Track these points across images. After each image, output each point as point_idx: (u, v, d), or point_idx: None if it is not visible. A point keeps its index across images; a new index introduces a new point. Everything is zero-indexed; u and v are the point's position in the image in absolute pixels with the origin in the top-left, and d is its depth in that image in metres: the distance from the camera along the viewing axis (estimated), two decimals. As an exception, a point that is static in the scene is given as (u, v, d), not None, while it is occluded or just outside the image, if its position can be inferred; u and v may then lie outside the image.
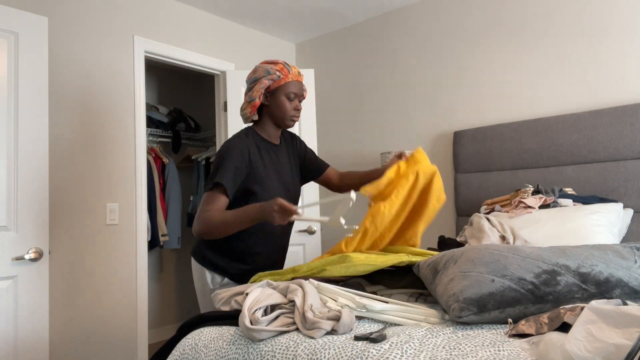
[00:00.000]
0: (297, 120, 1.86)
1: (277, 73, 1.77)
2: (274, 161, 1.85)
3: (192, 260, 1.92)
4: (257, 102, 1.78)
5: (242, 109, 1.83)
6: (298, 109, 1.82)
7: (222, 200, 1.67)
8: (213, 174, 1.70)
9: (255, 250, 1.84)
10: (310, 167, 2.05)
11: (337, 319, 1.15)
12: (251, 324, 1.17)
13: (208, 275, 1.83)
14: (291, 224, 1.95)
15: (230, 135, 3.41)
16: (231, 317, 1.36)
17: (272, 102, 1.80)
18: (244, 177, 1.74)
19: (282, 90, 1.79)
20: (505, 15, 3.04)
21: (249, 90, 1.81)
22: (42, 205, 2.21)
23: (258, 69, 1.80)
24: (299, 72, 1.82)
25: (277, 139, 1.91)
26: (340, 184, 2.08)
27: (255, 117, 1.83)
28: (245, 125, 2.08)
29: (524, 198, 2.39)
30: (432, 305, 1.41)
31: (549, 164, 2.71)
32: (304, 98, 1.87)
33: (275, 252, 1.91)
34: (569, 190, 2.52)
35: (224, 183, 1.66)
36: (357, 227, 1.68)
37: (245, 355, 1.18)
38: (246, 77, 1.85)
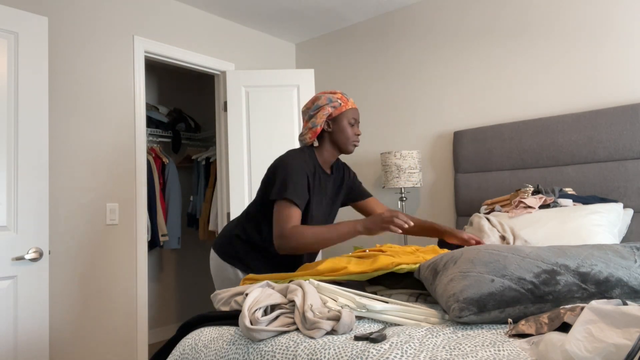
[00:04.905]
0: (357, 146, 1.91)
1: (339, 101, 1.85)
2: (322, 190, 1.89)
3: (218, 258, 1.93)
4: (319, 128, 1.85)
5: (302, 135, 1.89)
6: (358, 134, 1.89)
7: (298, 215, 1.72)
8: (282, 187, 1.72)
9: (294, 257, 1.90)
10: (352, 195, 2.08)
11: (337, 319, 1.15)
12: (251, 324, 1.17)
13: (241, 274, 1.87)
14: None
15: (230, 136, 3.42)
16: (231, 317, 1.36)
17: (335, 128, 1.86)
18: (307, 200, 1.78)
19: (345, 116, 1.85)
20: (505, 15, 3.04)
21: (311, 117, 1.87)
22: (42, 205, 2.21)
23: (320, 98, 1.87)
24: (353, 102, 1.90)
25: (329, 168, 1.94)
26: None
27: (316, 144, 1.90)
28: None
29: (524, 198, 2.39)
30: (432, 305, 1.41)
31: (549, 164, 2.71)
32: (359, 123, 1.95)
33: (307, 260, 1.97)
34: (569, 190, 2.52)
35: (296, 202, 1.71)
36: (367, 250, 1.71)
37: (245, 355, 1.18)
38: (303, 107, 1.93)
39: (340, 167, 2.03)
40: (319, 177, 1.87)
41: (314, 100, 1.89)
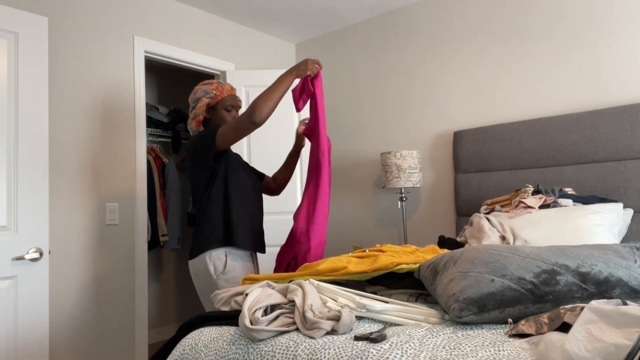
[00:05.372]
0: None
1: (213, 92, 2.08)
2: None
3: (192, 262, 2.01)
4: (201, 117, 2.09)
5: (189, 124, 2.13)
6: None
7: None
8: (220, 128, 1.94)
9: (249, 219, 2.06)
10: None
11: (337, 319, 1.15)
12: (251, 324, 1.17)
13: (210, 266, 1.94)
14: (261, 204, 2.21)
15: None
16: (231, 317, 1.36)
17: (213, 116, 2.10)
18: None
19: (221, 104, 2.09)
20: (506, 15, 3.04)
21: (193, 108, 2.10)
22: (42, 205, 2.21)
23: (197, 91, 2.09)
24: (231, 87, 2.14)
25: None
26: (278, 186, 2.37)
27: (201, 129, 2.12)
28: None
29: (524, 198, 2.39)
30: (432, 305, 1.41)
31: (549, 164, 2.71)
32: (240, 107, 2.16)
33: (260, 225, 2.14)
34: (569, 190, 2.52)
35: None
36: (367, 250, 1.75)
37: (245, 355, 1.18)
38: (189, 99, 2.14)
39: None
40: None
41: (193, 92, 2.12)
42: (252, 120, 1.84)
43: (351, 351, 1.04)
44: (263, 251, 2.09)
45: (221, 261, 1.95)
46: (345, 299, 1.27)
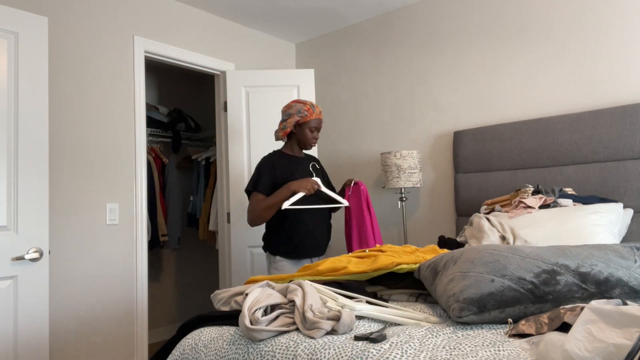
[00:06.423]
0: (315, 146, 2.73)
1: (305, 112, 2.48)
2: (294, 167, 2.55)
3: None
4: (288, 130, 2.50)
5: (277, 132, 2.54)
6: (316, 138, 2.56)
7: (261, 197, 2.41)
8: (253, 180, 2.45)
9: (299, 240, 2.50)
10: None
11: (337, 319, 1.15)
12: (251, 324, 1.17)
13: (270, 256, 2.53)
14: (323, 220, 2.60)
15: (230, 136, 3.43)
16: (231, 317, 1.36)
17: (299, 132, 2.53)
18: (275, 178, 2.48)
19: (307, 125, 2.51)
20: (506, 15, 3.04)
21: (284, 120, 2.51)
22: (42, 205, 2.21)
23: (292, 107, 2.50)
24: (320, 112, 2.55)
25: (301, 154, 2.64)
26: None
27: (285, 139, 2.57)
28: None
29: (524, 198, 2.39)
30: (432, 305, 1.41)
31: (549, 164, 2.71)
32: (320, 129, 2.63)
33: (314, 243, 2.54)
34: (569, 190, 2.52)
35: (259, 188, 2.41)
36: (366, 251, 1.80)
37: (245, 355, 1.18)
38: (283, 108, 2.55)
39: (312, 157, 2.72)
40: (288, 160, 2.54)
41: (288, 107, 2.51)
42: (250, 222, 2.44)
43: (351, 351, 1.04)
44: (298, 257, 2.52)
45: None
46: (327, 297, 1.27)
